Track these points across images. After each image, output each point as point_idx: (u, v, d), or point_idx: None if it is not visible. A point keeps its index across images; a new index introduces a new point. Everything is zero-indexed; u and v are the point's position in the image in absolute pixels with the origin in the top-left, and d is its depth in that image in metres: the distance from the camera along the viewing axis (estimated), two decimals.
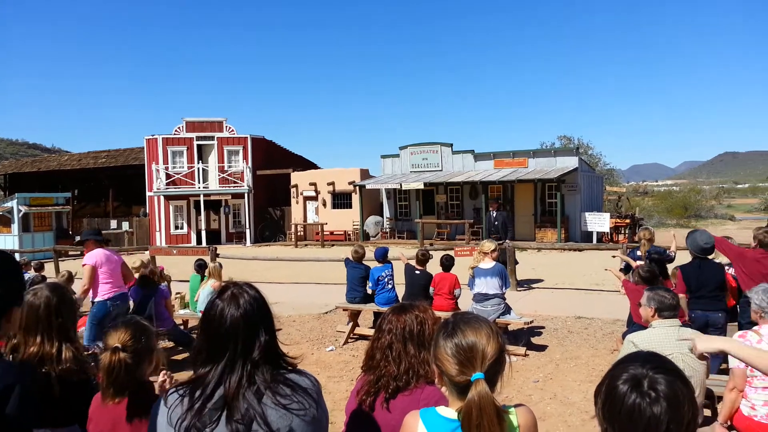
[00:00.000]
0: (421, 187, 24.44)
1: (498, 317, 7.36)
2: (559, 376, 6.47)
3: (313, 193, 29.03)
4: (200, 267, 8.85)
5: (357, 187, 26.50)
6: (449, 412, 1.63)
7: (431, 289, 7.91)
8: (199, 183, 28.76)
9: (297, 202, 29.62)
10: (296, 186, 29.52)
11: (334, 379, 6.61)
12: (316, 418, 1.64)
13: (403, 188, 25.15)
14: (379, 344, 2.22)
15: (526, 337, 8.05)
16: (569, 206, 23.15)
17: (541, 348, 7.64)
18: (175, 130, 29.30)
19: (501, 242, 12.43)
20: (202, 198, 28.12)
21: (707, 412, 4.31)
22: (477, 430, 1.49)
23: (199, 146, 29.40)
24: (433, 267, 8.13)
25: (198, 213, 29.00)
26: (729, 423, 3.62)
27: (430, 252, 12.13)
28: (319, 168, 32.48)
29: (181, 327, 8.49)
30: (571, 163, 23.28)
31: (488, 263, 7.48)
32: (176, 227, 29.46)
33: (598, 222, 21.76)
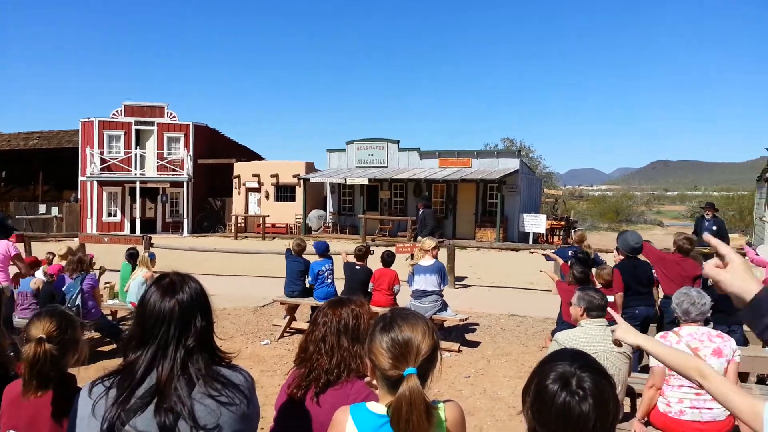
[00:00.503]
0: (366, 182, 24.46)
1: (435, 314, 7.46)
2: (490, 371, 6.63)
3: (256, 185, 28.55)
4: (131, 256, 8.53)
5: (301, 180, 26.27)
6: (379, 408, 1.64)
7: (371, 284, 7.94)
8: (135, 169, 27.75)
9: (239, 193, 29.06)
10: (239, 177, 28.95)
11: (268, 374, 6.53)
12: (247, 414, 1.61)
13: (348, 183, 25.11)
14: (313, 337, 2.20)
15: (461, 333, 8.20)
16: (509, 207, 23.71)
17: (475, 344, 7.80)
18: (113, 114, 28.14)
19: (442, 240, 12.62)
20: (138, 185, 27.09)
21: (627, 409, 4.50)
22: (406, 425, 1.49)
23: (138, 131, 28.34)
24: (375, 263, 8.17)
25: (133, 200, 27.97)
26: (646, 419, 3.79)
27: (372, 248, 12.20)
28: (264, 159, 31.96)
29: (110, 318, 8.18)
30: (512, 165, 23.85)
31: (428, 260, 7.58)
32: (109, 214, 28.31)
33: (535, 223, 22.40)
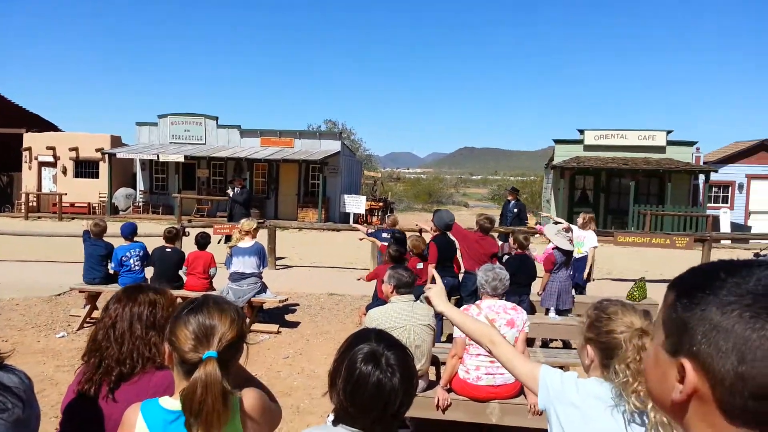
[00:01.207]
0: (182, 160, 23.09)
1: (254, 296, 7.34)
2: (309, 351, 6.72)
3: (51, 159, 25.36)
4: None
5: (106, 156, 23.91)
6: (172, 403, 1.56)
7: (184, 268, 7.54)
8: None
9: (30, 168, 25.58)
10: (29, 149, 25.43)
11: (64, 369, 5.90)
12: (21, 419, 1.42)
13: (161, 160, 23.45)
14: (103, 324, 2.03)
15: (281, 314, 8.18)
16: (330, 188, 24.09)
17: (294, 324, 7.84)
18: None
19: (262, 221, 12.41)
20: None
21: (432, 377, 4.86)
22: (199, 408, 1.44)
23: None
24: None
25: None
26: (448, 386, 4.13)
27: (187, 229, 11.57)
28: (61, 131, 28.47)
29: None
30: (334, 146, 24.21)
31: (247, 242, 7.40)
32: None
33: (356, 204, 23.08)
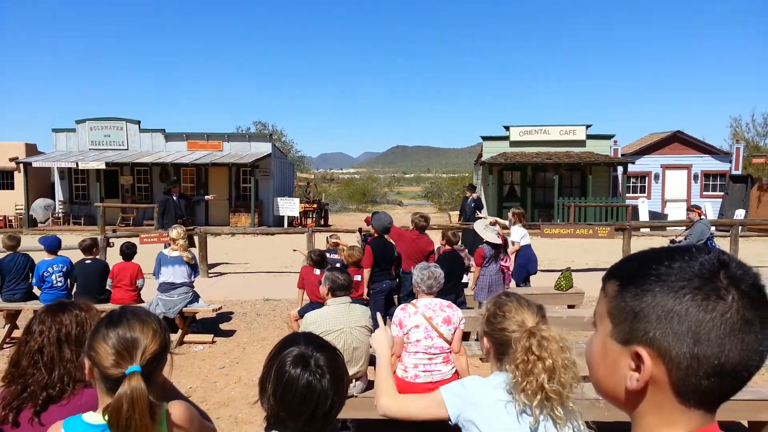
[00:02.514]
0: (103, 167, 22.05)
1: (186, 306, 7.12)
2: (245, 359, 6.59)
3: None
4: None
5: (21, 165, 22.53)
6: (96, 417, 1.52)
7: (109, 280, 7.23)
8: None
9: None
10: None
11: None
12: None
13: (81, 168, 22.31)
14: (27, 348, 1.92)
15: (215, 323, 7.98)
16: (263, 191, 23.70)
17: (230, 333, 7.67)
18: None
19: (191, 228, 12.06)
20: None
21: (371, 377, 4.88)
22: (126, 424, 1.40)
23: None
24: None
25: None
26: None
27: (111, 239, 11.09)
28: None
29: None
30: (265, 148, 23.82)
31: (176, 251, 7.17)
32: None
33: (289, 207, 22.80)
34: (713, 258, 0.79)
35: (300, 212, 23.36)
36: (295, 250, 8.34)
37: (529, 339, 1.81)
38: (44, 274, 7.04)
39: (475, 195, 14.63)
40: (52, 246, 7.23)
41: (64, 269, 7.15)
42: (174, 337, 6.72)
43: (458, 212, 12.22)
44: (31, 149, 24.38)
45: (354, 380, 4.18)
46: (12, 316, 7.25)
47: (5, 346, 7.08)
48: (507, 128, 22.90)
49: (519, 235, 8.05)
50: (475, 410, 1.87)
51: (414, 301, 4.28)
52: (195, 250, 10.76)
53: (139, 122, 24.14)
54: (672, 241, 9.25)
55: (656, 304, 0.77)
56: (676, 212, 22.11)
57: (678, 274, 0.78)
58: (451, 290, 6.55)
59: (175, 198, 11.78)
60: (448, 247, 6.83)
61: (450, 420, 1.96)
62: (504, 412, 1.83)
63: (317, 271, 6.75)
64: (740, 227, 13.11)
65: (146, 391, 1.43)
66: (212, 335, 7.35)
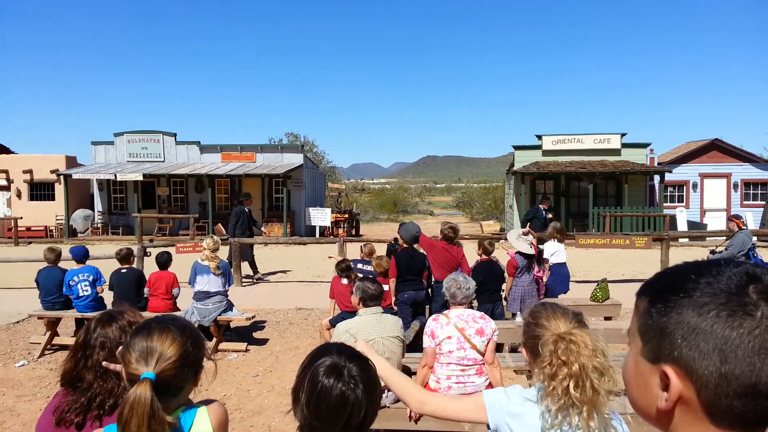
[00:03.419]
0: (140, 178, 22.60)
1: (220, 314, 7.22)
2: (279, 367, 6.63)
3: (4, 182, 24.55)
4: None
5: (61, 177, 23.26)
6: None
7: (146, 289, 7.37)
8: None
9: None
10: None
11: (26, 398, 5.69)
12: None
13: (119, 179, 22.91)
14: (92, 362, 1.96)
15: (249, 332, 8.05)
16: (295, 201, 23.93)
17: (263, 342, 7.73)
18: None
19: (225, 237, 12.26)
20: None
21: None
22: (124, 428, 1.43)
23: None
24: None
25: None
26: None
27: (148, 249, 11.32)
28: (14, 153, 27.59)
29: None
30: (297, 159, 24.08)
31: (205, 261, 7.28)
32: None
33: (321, 217, 22.96)
34: (742, 272, 0.75)
35: (331, 222, 23.50)
36: (330, 257, 8.37)
37: (556, 343, 1.78)
38: (70, 283, 7.21)
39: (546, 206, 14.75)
40: (78, 255, 7.40)
41: (90, 278, 7.26)
42: (209, 345, 6.80)
43: (526, 222, 12.12)
44: (71, 161, 25.13)
45: (386, 390, 4.16)
46: (52, 324, 7.45)
47: (46, 352, 7.28)
48: (539, 137, 22.68)
49: (549, 251, 7.76)
50: (515, 422, 1.85)
51: (446, 311, 4.26)
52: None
53: (175, 135, 24.68)
54: (712, 252, 8.96)
55: (681, 321, 0.75)
56: (716, 222, 21.51)
57: (704, 289, 0.75)
58: (488, 299, 6.48)
59: (247, 210, 12.49)
60: (485, 256, 6.76)
61: (488, 426, 1.94)
62: (538, 419, 1.80)
63: (344, 281, 6.78)
64: None
65: (149, 400, 1.43)
66: (246, 343, 7.42)
